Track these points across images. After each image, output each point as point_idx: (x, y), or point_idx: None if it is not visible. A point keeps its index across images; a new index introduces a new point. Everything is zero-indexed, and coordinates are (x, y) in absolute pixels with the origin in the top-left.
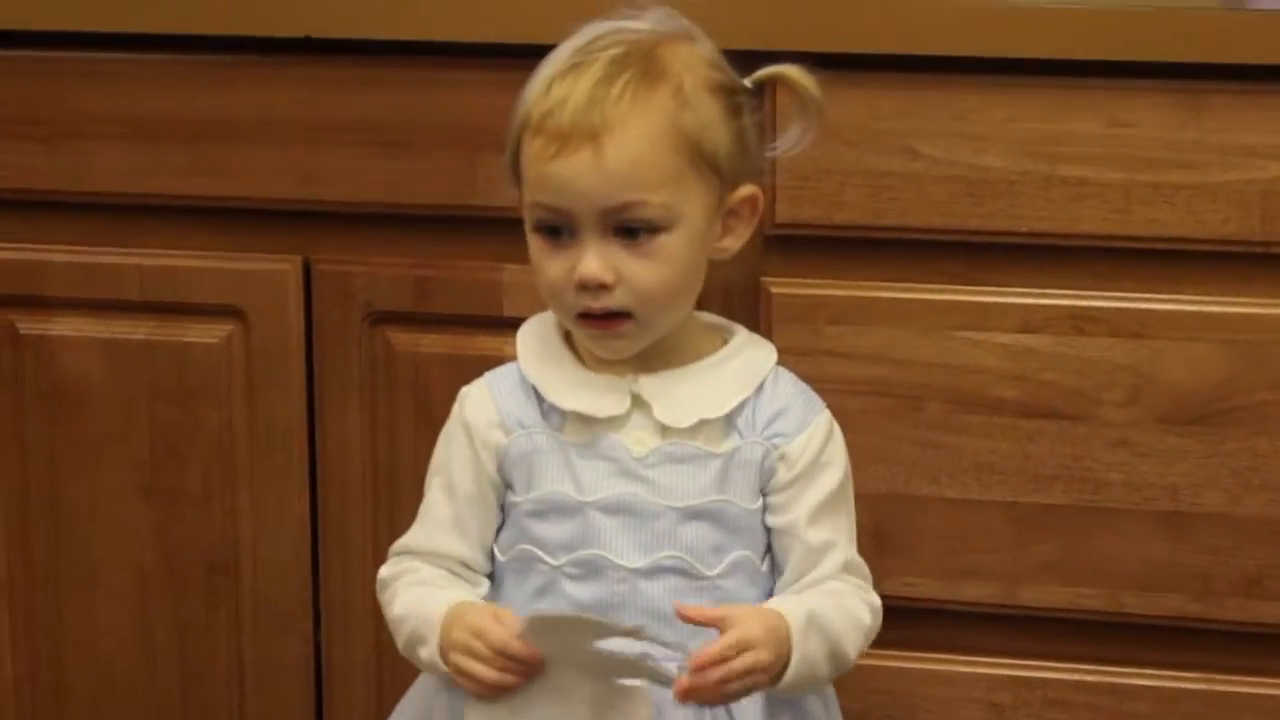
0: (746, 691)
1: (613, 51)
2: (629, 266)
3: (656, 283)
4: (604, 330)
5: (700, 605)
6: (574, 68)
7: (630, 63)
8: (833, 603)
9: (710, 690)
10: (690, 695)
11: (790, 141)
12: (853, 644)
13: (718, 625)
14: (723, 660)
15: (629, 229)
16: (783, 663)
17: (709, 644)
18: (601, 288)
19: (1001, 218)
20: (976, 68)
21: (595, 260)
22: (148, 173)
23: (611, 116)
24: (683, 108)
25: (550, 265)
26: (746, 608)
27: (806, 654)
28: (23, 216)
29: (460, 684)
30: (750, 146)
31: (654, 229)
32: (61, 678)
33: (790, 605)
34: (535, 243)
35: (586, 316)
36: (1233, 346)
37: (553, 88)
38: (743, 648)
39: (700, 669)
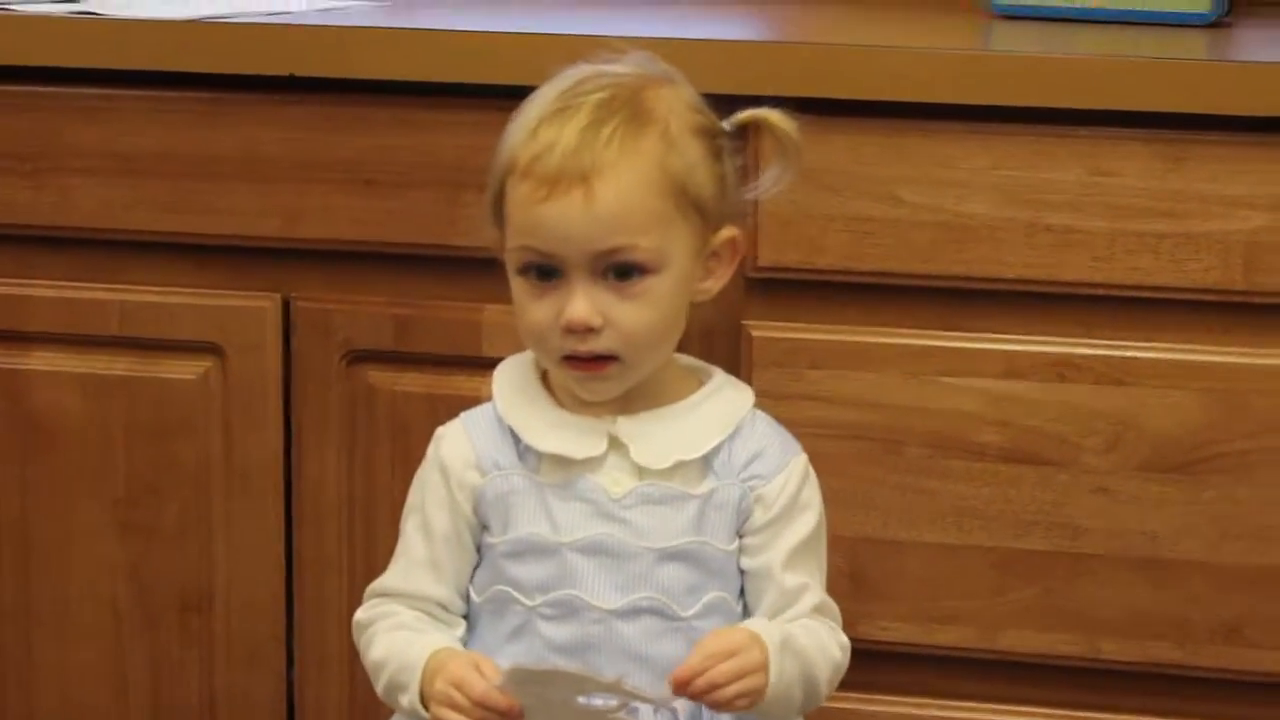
0: (748, 695)
1: (599, 95)
2: (616, 310)
3: (644, 326)
4: (589, 373)
5: (686, 664)
6: (560, 111)
7: (617, 107)
8: (805, 632)
9: (704, 698)
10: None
11: (769, 183)
12: (824, 675)
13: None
14: (703, 669)
15: (618, 272)
16: (759, 682)
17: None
18: (589, 331)
19: (984, 264)
20: (960, 115)
21: (584, 304)
22: (129, 208)
23: (602, 160)
24: (670, 151)
25: (535, 308)
26: (721, 631)
27: (783, 674)
28: (5, 250)
29: None
30: (731, 189)
31: (643, 272)
32: (31, 714)
33: (765, 627)
34: (520, 285)
35: (572, 359)
36: (1213, 395)
37: (539, 131)
38: (727, 654)
39: (681, 684)
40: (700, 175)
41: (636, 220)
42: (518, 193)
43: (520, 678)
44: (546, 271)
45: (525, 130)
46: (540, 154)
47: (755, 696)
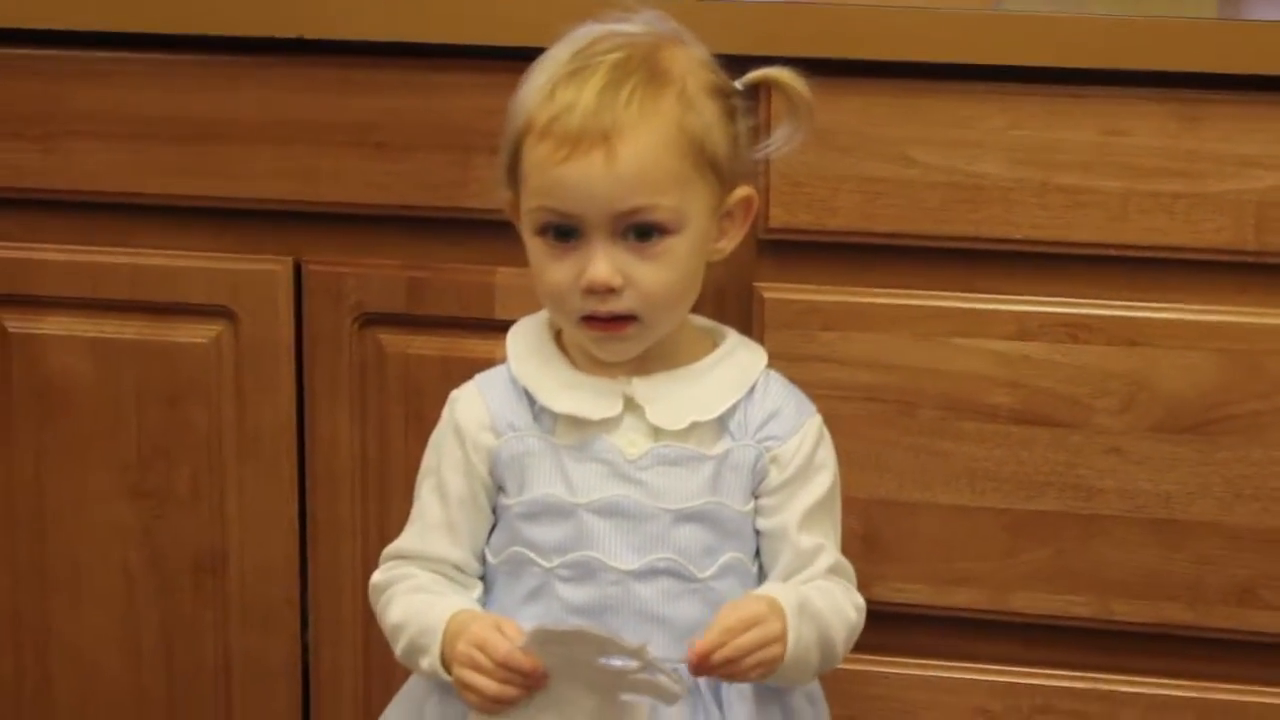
0: (766, 665)
1: (615, 55)
2: (637, 270)
3: (663, 285)
4: (609, 333)
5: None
6: (577, 72)
7: (634, 66)
8: (820, 595)
9: (725, 670)
10: (700, 672)
11: (779, 142)
12: (840, 636)
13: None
14: (723, 641)
15: (638, 232)
16: (779, 650)
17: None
18: (610, 291)
19: (996, 225)
20: (972, 75)
21: (604, 264)
22: (140, 172)
23: (622, 120)
24: (687, 111)
25: (554, 269)
26: (741, 600)
27: (800, 638)
28: (14, 215)
29: (463, 696)
30: (744, 148)
31: (663, 232)
32: (47, 678)
33: (782, 591)
34: (537, 246)
35: (591, 319)
36: (1227, 355)
37: (556, 92)
38: (749, 624)
39: (703, 654)
40: (716, 135)
41: (657, 180)
42: (536, 153)
43: (543, 638)
44: (565, 232)
45: (541, 91)
46: (559, 114)
47: (773, 665)
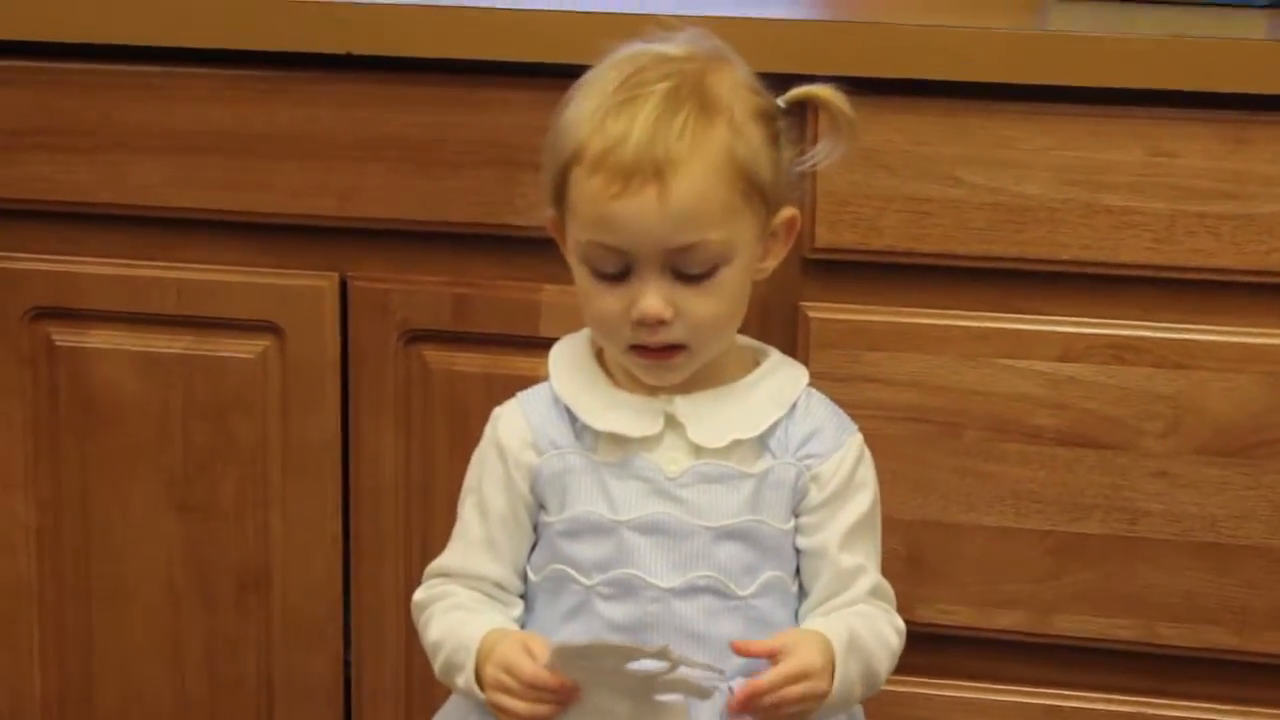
0: (807, 707)
1: (665, 85)
2: (687, 302)
3: (713, 316)
4: (658, 361)
5: (755, 640)
6: (628, 102)
7: (685, 95)
8: (867, 625)
9: (763, 713)
10: (743, 711)
11: (819, 157)
12: (884, 665)
13: (773, 656)
14: (775, 689)
15: (689, 265)
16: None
17: (763, 673)
18: (660, 324)
19: (1043, 245)
20: (1020, 95)
21: (656, 299)
22: (187, 186)
23: (676, 153)
24: (737, 138)
25: (604, 299)
26: (802, 635)
27: (846, 675)
28: (62, 228)
29: (498, 717)
30: (787, 169)
31: (714, 264)
32: (90, 691)
33: (833, 627)
34: (585, 275)
35: (640, 348)
36: (1274, 378)
37: (607, 122)
38: (800, 677)
39: (752, 697)
40: (763, 160)
41: (709, 215)
42: (588, 186)
43: (566, 655)
44: (616, 264)
45: (591, 120)
46: (611, 147)
47: (814, 705)
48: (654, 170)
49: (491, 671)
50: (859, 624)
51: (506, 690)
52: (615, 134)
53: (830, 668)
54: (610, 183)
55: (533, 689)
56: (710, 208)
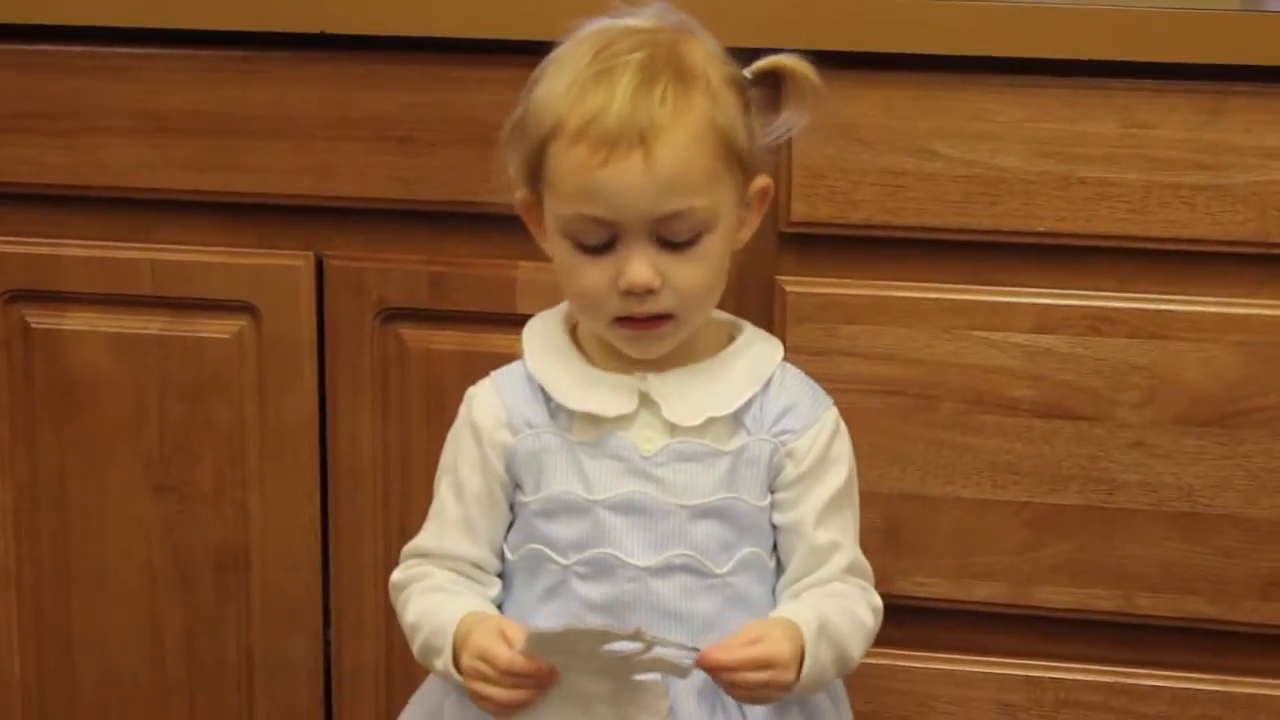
0: (755, 700)
1: (640, 54)
2: (674, 269)
3: (700, 283)
4: (645, 331)
5: (730, 642)
6: (604, 73)
7: (661, 64)
8: (839, 607)
9: (720, 679)
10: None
11: (785, 126)
12: (857, 648)
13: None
14: (736, 669)
15: (675, 232)
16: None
17: (732, 639)
18: (649, 292)
19: (1018, 218)
20: (994, 68)
21: (644, 267)
22: (162, 167)
23: (659, 120)
24: (714, 105)
25: (589, 272)
26: (772, 625)
27: (817, 660)
28: (37, 210)
29: (477, 704)
30: (759, 137)
31: (699, 231)
32: (70, 674)
33: (803, 614)
34: (567, 249)
35: (626, 320)
36: (1250, 348)
37: (586, 94)
38: (765, 665)
39: (714, 663)
40: (739, 127)
41: (693, 181)
42: (570, 158)
43: (541, 640)
44: (601, 235)
45: (567, 93)
46: (593, 117)
47: (776, 695)
48: (638, 137)
49: (468, 660)
50: (831, 608)
51: (484, 678)
52: (595, 104)
53: (798, 658)
54: (594, 152)
55: (509, 675)
56: (695, 174)
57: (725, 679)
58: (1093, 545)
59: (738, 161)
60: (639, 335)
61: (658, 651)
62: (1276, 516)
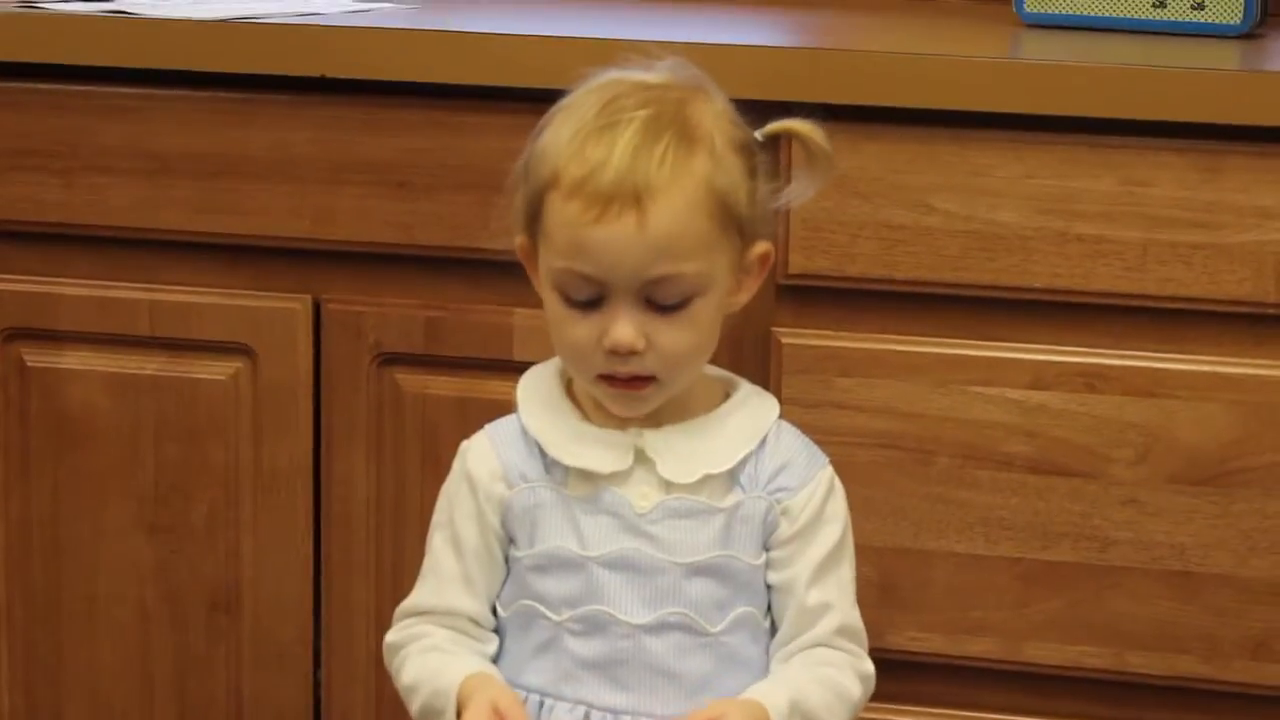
0: None
1: (645, 112)
2: (660, 332)
3: (686, 348)
4: (627, 392)
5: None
6: (607, 127)
7: (665, 123)
8: (822, 679)
9: None
10: None
11: (795, 194)
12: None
13: None
14: None
15: (663, 296)
16: None
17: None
18: (632, 354)
19: (1015, 273)
20: (993, 124)
21: (629, 328)
22: (160, 208)
23: (656, 181)
24: (716, 169)
25: (575, 328)
26: (734, 706)
27: None
28: (35, 249)
29: None
30: (763, 203)
31: (688, 296)
32: (60, 712)
33: (774, 695)
34: (557, 302)
35: (609, 378)
36: (1244, 408)
37: (587, 148)
38: None
39: None
40: (741, 192)
41: (686, 245)
42: (564, 211)
43: None
44: (589, 293)
45: (569, 145)
46: (590, 172)
47: None
48: (633, 197)
49: None
50: (811, 684)
51: None
52: (594, 159)
53: None
54: (588, 208)
55: None
56: (688, 239)
57: None
58: (1085, 602)
59: (736, 227)
60: (622, 394)
61: None
62: (1268, 576)
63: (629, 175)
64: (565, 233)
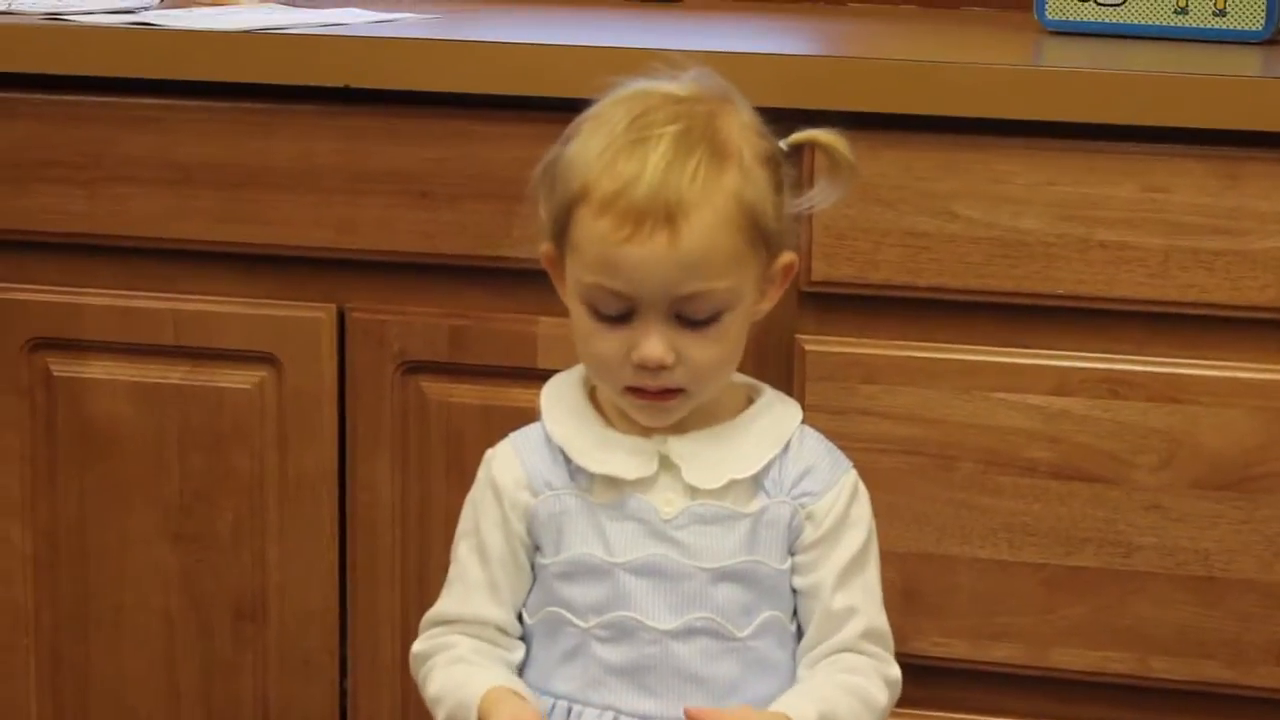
0: None
1: (676, 127)
2: (689, 347)
3: (714, 362)
4: (655, 403)
5: (708, 710)
6: (639, 142)
7: (696, 139)
8: (849, 688)
9: None
10: None
11: (816, 200)
12: None
13: None
14: None
15: (692, 312)
16: None
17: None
18: (661, 368)
19: (1038, 280)
20: (1016, 131)
21: (659, 344)
22: (185, 218)
23: (688, 199)
24: (746, 184)
25: (603, 341)
26: (759, 716)
27: None
28: (60, 259)
29: None
30: (788, 214)
31: (719, 311)
32: (85, 719)
33: (801, 708)
34: (584, 314)
35: (637, 390)
36: (1268, 413)
37: (618, 163)
38: None
39: None
40: (768, 206)
41: (717, 263)
42: (596, 228)
43: None
44: (619, 308)
45: (599, 159)
46: (622, 189)
47: None
48: (665, 215)
49: None
50: (839, 693)
51: None
52: (626, 176)
53: None
54: (620, 226)
55: None
56: (719, 256)
57: None
58: (1109, 608)
59: (763, 240)
60: (649, 405)
61: None
62: None
63: (661, 192)
64: (596, 249)
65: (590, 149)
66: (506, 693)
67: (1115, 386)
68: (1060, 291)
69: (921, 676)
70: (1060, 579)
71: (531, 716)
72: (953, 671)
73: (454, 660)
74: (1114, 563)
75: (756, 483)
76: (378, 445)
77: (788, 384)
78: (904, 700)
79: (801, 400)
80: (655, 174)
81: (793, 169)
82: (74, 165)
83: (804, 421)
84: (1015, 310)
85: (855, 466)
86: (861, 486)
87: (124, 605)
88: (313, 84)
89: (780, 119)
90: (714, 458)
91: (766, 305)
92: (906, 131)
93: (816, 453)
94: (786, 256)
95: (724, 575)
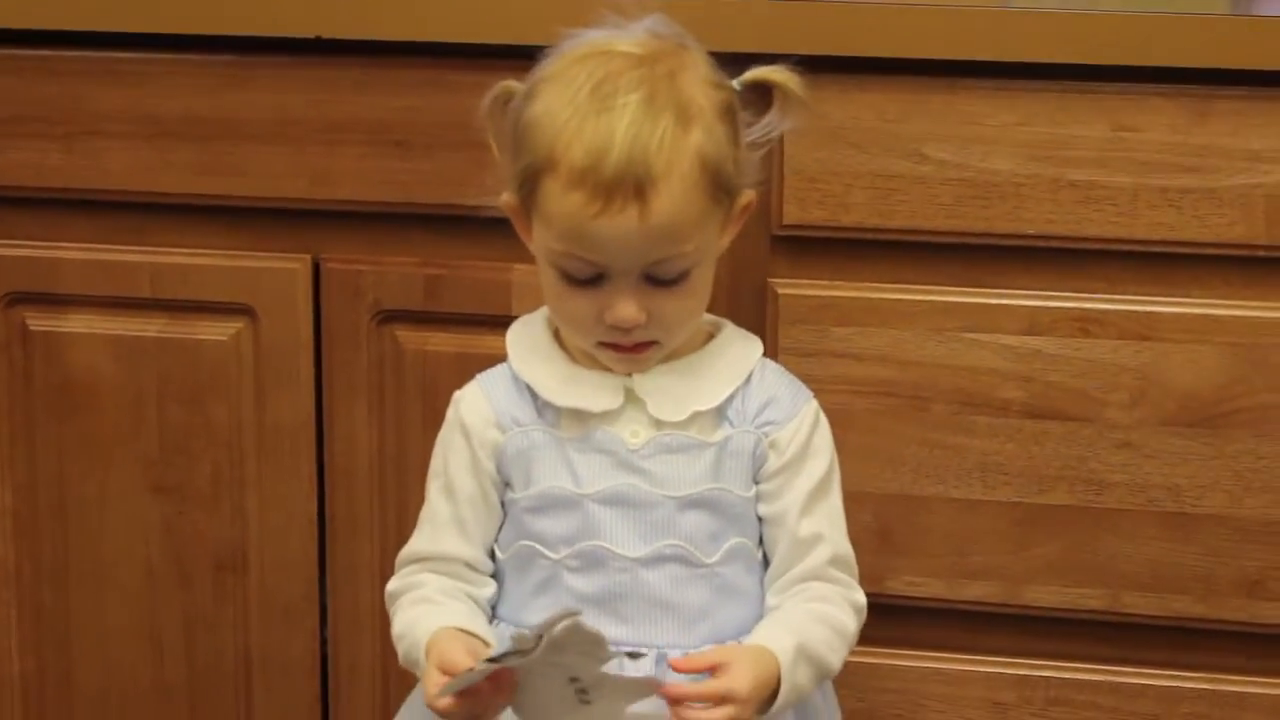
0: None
1: (639, 94)
2: (661, 305)
3: (685, 313)
4: (629, 355)
5: (691, 655)
6: (604, 111)
7: (661, 105)
8: (820, 617)
9: (675, 711)
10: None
11: (766, 130)
12: (838, 657)
13: (712, 670)
14: (695, 697)
15: (663, 271)
16: (769, 696)
17: (696, 655)
18: (635, 327)
19: (1008, 220)
20: (984, 72)
21: (632, 305)
22: (159, 171)
23: (656, 170)
24: (708, 141)
25: (574, 302)
26: (742, 653)
27: (795, 684)
28: (36, 214)
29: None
30: (746, 158)
31: (687, 269)
32: (68, 673)
33: (781, 639)
34: (555, 276)
35: (611, 345)
36: (1237, 349)
37: (585, 134)
38: (723, 699)
39: (678, 699)
40: (728, 157)
41: (686, 227)
42: (566, 202)
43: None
44: (589, 273)
45: (565, 128)
46: (591, 165)
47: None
48: (635, 189)
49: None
50: (811, 622)
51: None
52: (594, 148)
53: (762, 688)
54: (590, 201)
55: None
56: (688, 222)
57: (681, 713)
58: (1081, 545)
59: (725, 191)
60: (624, 358)
61: (615, 667)
62: (1262, 516)
63: (630, 168)
64: (566, 222)
65: (556, 115)
66: (450, 633)
67: (1086, 325)
68: (1031, 231)
69: (897, 616)
70: (1033, 517)
71: (458, 657)
72: (928, 610)
73: (417, 600)
74: (1086, 500)
75: (720, 414)
76: (354, 395)
77: (760, 327)
78: (879, 640)
79: (775, 343)
80: (623, 148)
81: (747, 110)
82: (49, 120)
83: (765, 355)
84: (986, 251)
85: (829, 409)
86: (823, 416)
87: (105, 559)
88: (284, 35)
89: (745, 63)
90: (678, 391)
91: (726, 241)
92: (876, 74)
93: (778, 384)
94: (745, 196)
95: (691, 503)
